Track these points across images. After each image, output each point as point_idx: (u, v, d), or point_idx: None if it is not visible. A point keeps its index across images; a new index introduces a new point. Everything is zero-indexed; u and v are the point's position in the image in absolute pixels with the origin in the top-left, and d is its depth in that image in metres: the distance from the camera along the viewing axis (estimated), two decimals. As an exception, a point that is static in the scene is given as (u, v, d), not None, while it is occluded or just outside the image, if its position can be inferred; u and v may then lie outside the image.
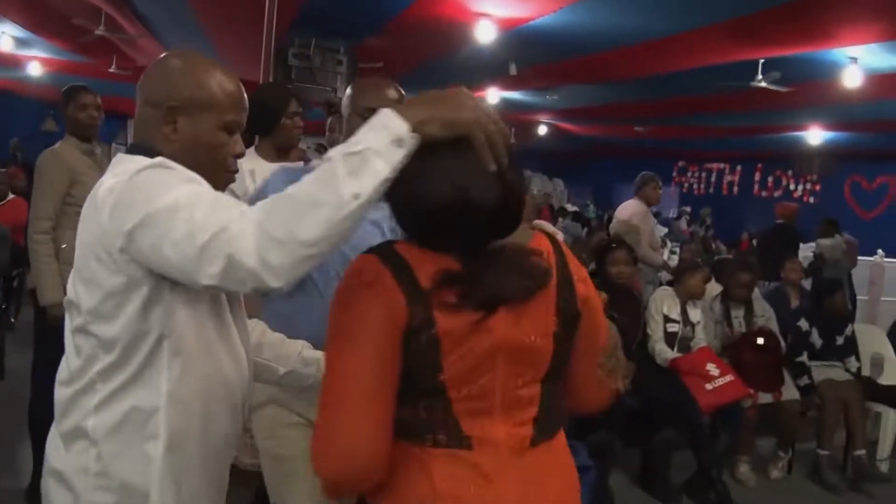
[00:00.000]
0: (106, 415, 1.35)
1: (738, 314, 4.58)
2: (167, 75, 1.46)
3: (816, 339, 4.54)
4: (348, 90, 2.04)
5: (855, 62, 7.36)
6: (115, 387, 1.35)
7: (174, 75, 1.45)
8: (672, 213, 16.33)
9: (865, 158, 13.89)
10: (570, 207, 17.17)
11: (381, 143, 1.14)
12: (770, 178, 15.84)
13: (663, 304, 4.18)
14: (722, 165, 16.76)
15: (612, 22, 6.94)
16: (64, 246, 3.21)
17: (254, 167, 2.91)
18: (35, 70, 11.25)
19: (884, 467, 4.42)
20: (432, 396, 1.31)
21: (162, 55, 1.53)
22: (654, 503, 3.98)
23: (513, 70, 9.07)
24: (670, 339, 4.18)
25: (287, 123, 3.08)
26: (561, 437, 1.45)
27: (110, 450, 1.36)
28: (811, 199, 15.13)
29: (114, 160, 1.46)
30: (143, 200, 1.27)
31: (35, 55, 10.63)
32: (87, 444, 1.36)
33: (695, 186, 17.35)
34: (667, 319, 4.16)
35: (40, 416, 2.58)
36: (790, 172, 15.38)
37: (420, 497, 1.31)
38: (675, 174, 17.80)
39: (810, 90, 8.50)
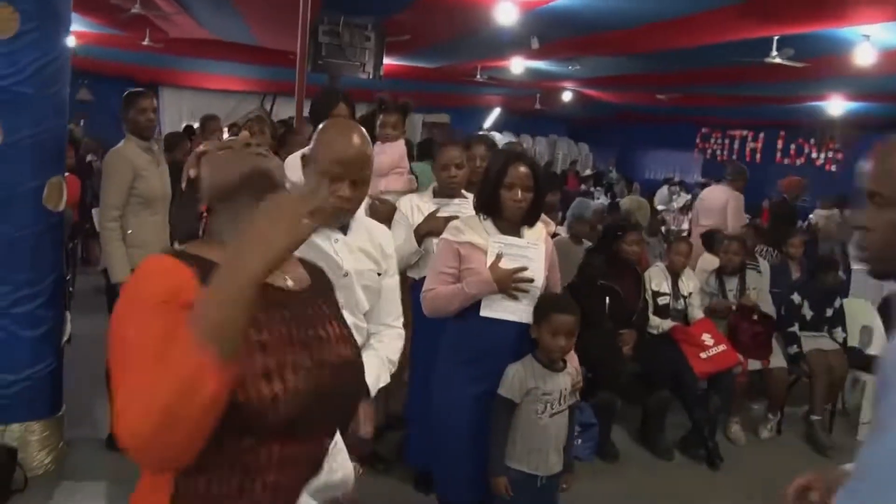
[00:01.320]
0: None
1: (731, 286, 4.93)
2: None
3: (807, 312, 4.89)
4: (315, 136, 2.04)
5: (867, 39, 7.55)
6: None
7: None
8: (696, 179, 16.50)
9: (887, 128, 13.95)
10: (587, 172, 17.42)
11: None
12: (793, 146, 15.89)
13: (653, 280, 4.57)
14: (745, 133, 16.80)
15: (631, 3, 7.20)
16: (130, 231, 3.72)
17: None
18: (70, 42, 11.58)
19: (864, 431, 4.78)
20: None
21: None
22: (651, 457, 4.40)
23: (535, 44, 9.30)
24: (662, 311, 4.57)
25: None
26: None
27: None
28: (833, 168, 15.21)
29: None
30: None
31: (71, 29, 10.93)
32: None
33: (718, 153, 17.41)
34: (657, 294, 4.54)
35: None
36: (812, 141, 15.45)
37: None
38: (698, 140, 17.88)
39: (824, 65, 8.66)
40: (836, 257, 5.98)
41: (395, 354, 2.17)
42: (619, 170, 17.96)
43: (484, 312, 2.75)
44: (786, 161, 15.97)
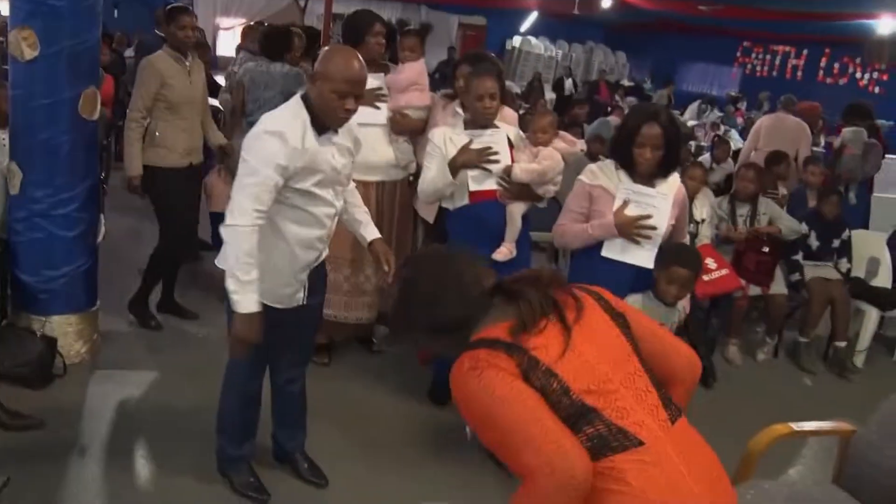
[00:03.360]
0: None
1: (742, 212, 5.02)
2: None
3: (814, 242, 4.99)
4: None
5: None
6: None
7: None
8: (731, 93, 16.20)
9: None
10: (627, 83, 17.11)
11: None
12: (836, 65, 15.51)
13: (668, 204, 4.68)
14: (788, 49, 16.39)
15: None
16: (157, 133, 4.10)
17: None
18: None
19: (861, 358, 4.96)
20: (583, 414, 1.56)
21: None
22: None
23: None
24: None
25: (370, 41, 3.79)
26: (686, 422, 1.70)
27: None
28: (877, 90, 14.85)
29: None
30: None
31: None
32: None
33: (758, 69, 17.05)
34: (673, 217, 4.66)
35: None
36: (858, 60, 15.03)
37: (624, 500, 1.52)
38: (738, 55, 17.49)
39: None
40: (841, 187, 6.01)
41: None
42: (654, 81, 17.63)
43: (605, 252, 3.07)
44: (828, 80, 15.63)
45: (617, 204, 3.03)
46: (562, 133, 3.65)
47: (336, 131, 2.61)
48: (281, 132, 2.42)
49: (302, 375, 3.06)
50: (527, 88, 13.67)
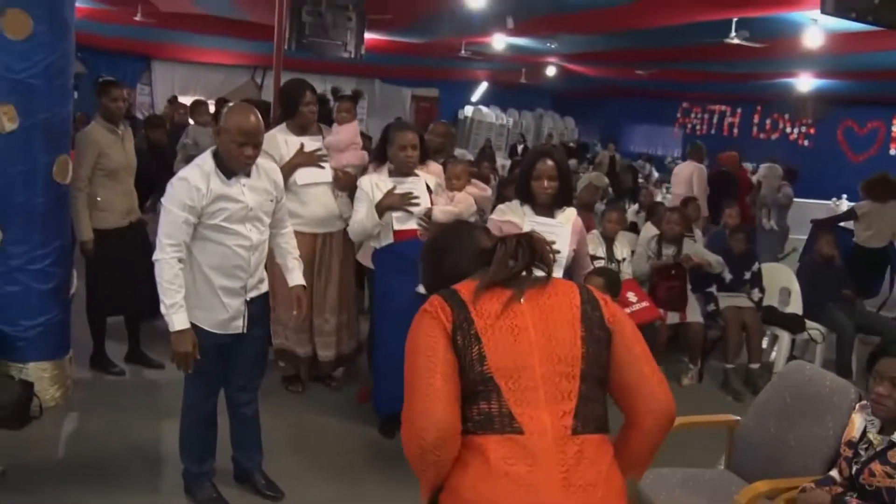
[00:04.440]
0: None
1: (668, 252, 5.55)
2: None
3: (727, 275, 5.53)
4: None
5: (816, 23, 8.09)
6: None
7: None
8: (676, 154, 17.08)
9: (857, 104, 14.48)
10: (572, 144, 17.93)
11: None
12: (768, 121, 16.46)
13: (589, 245, 5.16)
14: (724, 108, 17.35)
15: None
16: (98, 199, 4.45)
17: (286, 138, 4.30)
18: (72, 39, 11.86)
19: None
20: (486, 388, 1.64)
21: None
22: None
23: (510, 24, 9.83)
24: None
25: (304, 110, 4.33)
26: (603, 441, 1.70)
27: None
28: (806, 143, 15.77)
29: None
30: None
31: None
32: None
33: (697, 127, 17.96)
34: (594, 258, 5.15)
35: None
36: (787, 116, 16.00)
37: (476, 476, 1.61)
38: (679, 115, 18.43)
39: (778, 47, 9.21)
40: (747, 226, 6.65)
41: (296, 248, 3.40)
42: (604, 144, 18.45)
43: None
44: (761, 136, 16.54)
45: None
46: (474, 180, 4.21)
47: (247, 174, 3.04)
48: (185, 178, 2.94)
49: (254, 400, 3.43)
50: (478, 155, 14.33)
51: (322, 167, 4.35)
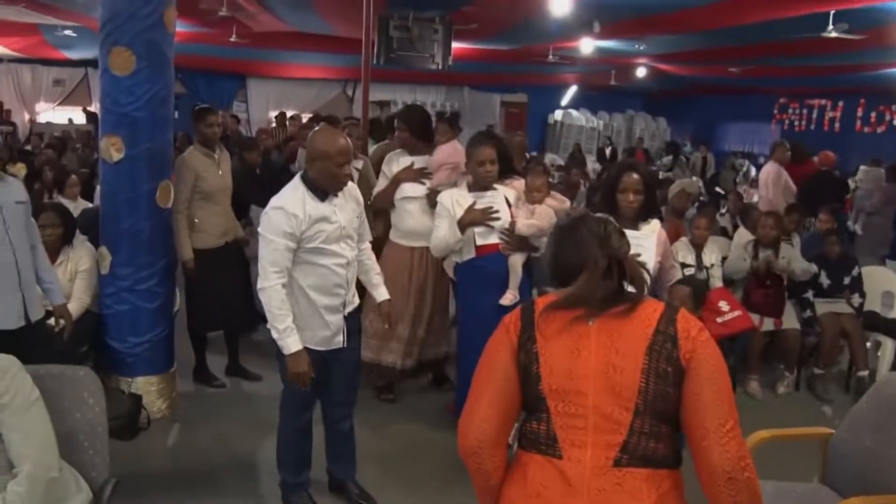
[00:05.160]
0: None
1: (765, 254, 5.40)
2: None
3: (824, 280, 5.35)
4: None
5: (918, 10, 7.72)
6: None
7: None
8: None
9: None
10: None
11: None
12: (873, 114, 15.71)
13: (679, 252, 5.10)
14: (824, 101, 16.65)
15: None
16: (196, 220, 4.67)
17: (400, 158, 4.73)
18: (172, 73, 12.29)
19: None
20: (539, 407, 1.68)
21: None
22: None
23: (596, 28, 9.76)
24: (689, 282, 5.13)
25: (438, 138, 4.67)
26: (653, 476, 1.61)
27: None
28: (916, 135, 14.99)
29: None
30: None
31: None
32: None
33: (796, 123, 17.30)
34: (683, 265, 5.08)
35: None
36: (894, 107, 15.23)
37: (515, 492, 1.70)
38: (776, 111, 17.79)
39: (880, 37, 8.81)
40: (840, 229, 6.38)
41: (376, 262, 3.54)
42: (695, 144, 18.01)
43: None
44: (866, 129, 15.79)
45: None
46: (552, 192, 4.23)
47: (336, 195, 3.15)
48: (281, 206, 3.04)
49: (349, 416, 3.56)
50: (568, 160, 14.26)
51: (423, 183, 4.55)
